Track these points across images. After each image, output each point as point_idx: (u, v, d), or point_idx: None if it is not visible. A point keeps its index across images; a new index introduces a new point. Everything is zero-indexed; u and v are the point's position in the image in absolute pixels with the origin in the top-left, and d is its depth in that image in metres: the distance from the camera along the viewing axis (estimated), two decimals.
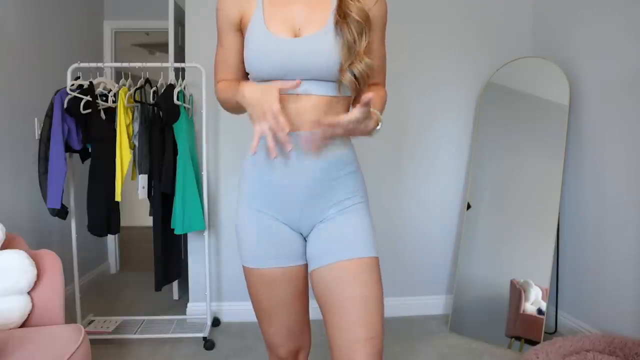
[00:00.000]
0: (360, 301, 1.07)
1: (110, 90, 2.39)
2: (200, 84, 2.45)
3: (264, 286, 1.21)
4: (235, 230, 1.24)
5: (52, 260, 1.81)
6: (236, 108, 1.17)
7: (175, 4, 2.96)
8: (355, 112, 1.00)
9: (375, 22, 1.15)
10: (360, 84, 1.12)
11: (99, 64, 2.55)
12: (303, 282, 1.24)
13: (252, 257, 1.20)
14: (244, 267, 1.23)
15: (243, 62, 1.20)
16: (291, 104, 1.09)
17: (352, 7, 1.09)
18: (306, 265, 1.22)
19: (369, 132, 1.08)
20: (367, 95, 0.98)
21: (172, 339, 2.46)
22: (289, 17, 1.11)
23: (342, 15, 1.09)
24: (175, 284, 3.16)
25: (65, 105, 2.26)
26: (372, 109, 1.06)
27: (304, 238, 1.22)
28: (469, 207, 2.72)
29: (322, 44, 1.08)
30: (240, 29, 1.18)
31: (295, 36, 1.11)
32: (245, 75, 1.24)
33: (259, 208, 1.19)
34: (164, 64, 2.67)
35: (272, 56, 1.09)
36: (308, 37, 1.09)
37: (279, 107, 0.99)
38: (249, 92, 1.05)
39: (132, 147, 2.38)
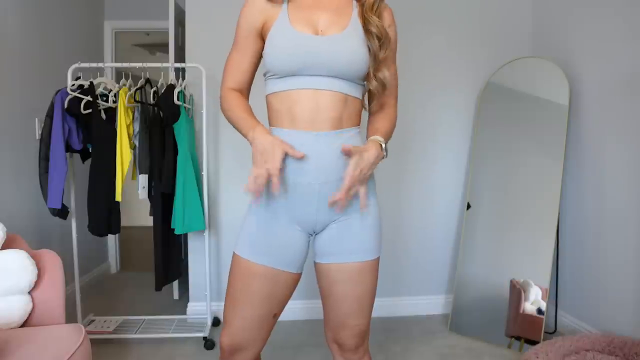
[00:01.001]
0: (356, 298, 1.25)
1: (111, 90, 2.39)
2: (200, 84, 2.45)
3: (247, 278, 1.22)
4: (244, 219, 1.26)
5: (52, 260, 1.81)
6: (232, 124, 1.26)
7: (176, 4, 2.96)
8: (350, 166, 1.13)
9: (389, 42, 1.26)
10: (381, 90, 1.24)
11: (100, 64, 2.55)
12: (285, 290, 1.24)
13: (250, 250, 1.21)
14: (235, 254, 1.24)
15: (255, 68, 1.28)
16: (310, 99, 1.17)
17: (372, 21, 1.21)
18: (298, 275, 1.25)
19: (379, 159, 1.20)
20: (346, 146, 1.13)
21: (173, 339, 2.46)
22: (312, 19, 1.20)
23: (365, 26, 1.21)
24: (175, 283, 3.16)
25: (65, 105, 2.26)
26: (371, 139, 1.21)
27: (312, 235, 1.26)
28: (469, 207, 2.72)
29: (344, 43, 1.19)
30: (261, 34, 1.24)
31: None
32: (250, 83, 1.30)
33: (274, 208, 1.21)
34: (164, 64, 2.67)
35: (296, 50, 1.16)
36: (331, 36, 1.19)
37: (278, 169, 1.11)
38: (260, 138, 1.15)
39: (133, 147, 2.38)
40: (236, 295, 1.23)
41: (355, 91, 1.22)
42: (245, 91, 1.30)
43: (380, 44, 1.21)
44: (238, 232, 1.26)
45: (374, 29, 1.20)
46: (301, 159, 1.14)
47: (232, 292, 1.24)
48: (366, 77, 1.23)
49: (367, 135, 1.27)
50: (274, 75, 1.21)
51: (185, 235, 2.73)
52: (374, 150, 1.17)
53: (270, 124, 1.25)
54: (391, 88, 1.31)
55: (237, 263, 1.23)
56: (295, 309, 2.70)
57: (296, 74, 1.17)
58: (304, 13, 1.20)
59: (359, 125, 1.27)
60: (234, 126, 1.26)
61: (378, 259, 1.26)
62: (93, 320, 2.59)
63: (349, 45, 1.18)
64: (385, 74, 1.23)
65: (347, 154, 1.13)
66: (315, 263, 1.27)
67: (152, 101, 2.40)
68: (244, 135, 1.21)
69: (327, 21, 1.20)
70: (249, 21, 1.24)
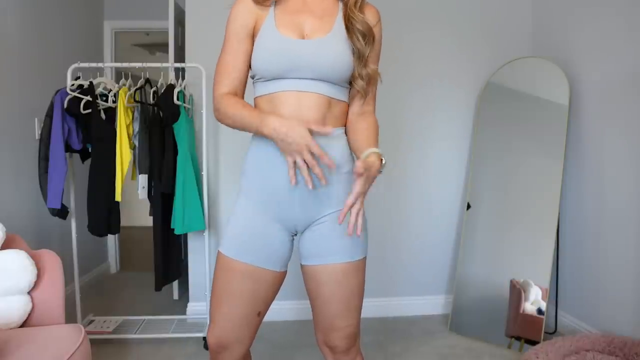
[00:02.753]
0: (342, 299, 1.24)
1: (111, 90, 2.39)
2: (200, 84, 2.45)
3: (230, 276, 1.22)
4: (229, 219, 1.27)
5: (52, 260, 1.81)
6: (236, 126, 1.21)
7: (175, 4, 2.96)
8: (358, 186, 1.10)
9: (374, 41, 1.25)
10: (367, 88, 1.23)
11: (99, 64, 2.55)
12: (269, 288, 1.24)
13: (234, 248, 1.21)
14: (219, 252, 1.24)
15: (247, 69, 1.26)
16: (294, 100, 1.18)
17: (357, 18, 1.21)
18: (282, 274, 1.25)
19: (380, 171, 1.17)
20: (357, 170, 1.08)
21: (172, 339, 2.46)
22: (298, 23, 1.21)
23: (348, 25, 1.21)
24: (175, 283, 3.16)
25: (65, 105, 2.26)
26: (371, 151, 1.15)
27: (295, 235, 1.26)
28: (469, 207, 2.72)
29: (328, 46, 1.19)
30: (252, 35, 1.24)
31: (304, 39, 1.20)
32: (245, 84, 1.28)
33: (257, 207, 1.22)
34: (164, 64, 2.67)
35: (282, 54, 1.17)
36: (316, 39, 1.20)
37: (318, 146, 1.09)
38: (276, 125, 1.10)
39: (132, 147, 2.38)
40: (220, 294, 1.23)
41: (339, 94, 1.23)
42: (240, 95, 1.26)
43: (365, 41, 1.21)
44: (225, 232, 1.26)
45: (358, 25, 1.20)
46: (329, 134, 1.13)
47: (216, 290, 1.24)
48: (351, 78, 1.23)
49: (357, 144, 1.23)
50: (260, 78, 1.22)
51: (185, 235, 2.72)
52: (377, 165, 1.14)
53: None
54: (372, 90, 1.29)
55: (220, 261, 1.24)
56: (293, 309, 2.70)
57: (281, 77, 1.18)
58: (290, 17, 1.21)
59: (344, 126, 1.28)
60: (237, 127, 1.21)
61: (364, 259, 1.26)
62: (93, 321, 2.59)
63: (332, 48, 1.19)
64: (369, 69, 1.22)
65: (360, 175, 1.09)
66: (301, 265, 1.27)
67: (151, 101, 2.40)
68: (252, 130, 1.18)
69: (313, 25, 1.21)
70: (239, 22, 1.23)
